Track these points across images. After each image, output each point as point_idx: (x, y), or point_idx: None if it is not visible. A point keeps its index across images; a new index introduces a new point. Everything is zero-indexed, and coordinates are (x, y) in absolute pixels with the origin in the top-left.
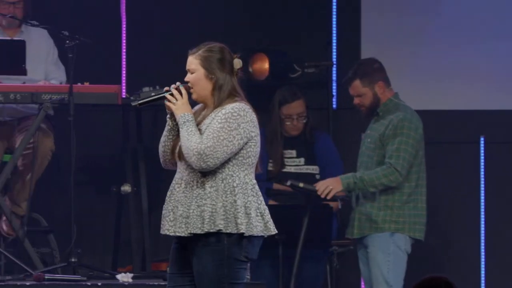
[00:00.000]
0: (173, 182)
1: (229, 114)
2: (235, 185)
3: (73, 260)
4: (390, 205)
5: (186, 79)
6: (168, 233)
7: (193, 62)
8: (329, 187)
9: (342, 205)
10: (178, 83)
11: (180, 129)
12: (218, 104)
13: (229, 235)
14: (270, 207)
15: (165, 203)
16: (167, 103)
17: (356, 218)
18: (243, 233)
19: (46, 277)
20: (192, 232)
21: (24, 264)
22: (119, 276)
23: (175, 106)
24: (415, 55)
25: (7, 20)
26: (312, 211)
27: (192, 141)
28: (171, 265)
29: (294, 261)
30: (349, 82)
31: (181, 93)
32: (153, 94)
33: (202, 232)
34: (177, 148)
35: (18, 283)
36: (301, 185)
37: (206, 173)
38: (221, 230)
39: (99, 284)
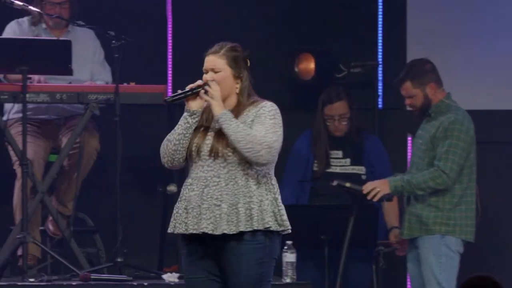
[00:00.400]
0: (199, 180)
1: (274, 112)
2: (273, 182)
3: (119, 260)
4: (440, 207)
5: (209, 77)
6: (207, 231)
7: (217, 61)
8: (376, 189)
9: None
10: (201, 81)
11: (226, 125)
12: (245, 102)
13: (270, 232)
14: (316, 207)
15: (189, 202)
16: (207, 98)
17: (407, 219)
18: (282, 231)
19: (92, 277)
20: (240, 230)
21: (70, 264)
22: (165, 276)
23: (216, 102)
24: (461, 54)
25: (53, 21)
26: (358, 211)
27: (256, 135)
28: (189, 269)
29: (340, 261)
30: (400, 83)
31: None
32: (186, 90)
33: (251, 230)
34: (205, 146)
35: (64, 283)
36: (347, 185)
37: (248, 170)
38: (270, 227)
39: (145, 284)
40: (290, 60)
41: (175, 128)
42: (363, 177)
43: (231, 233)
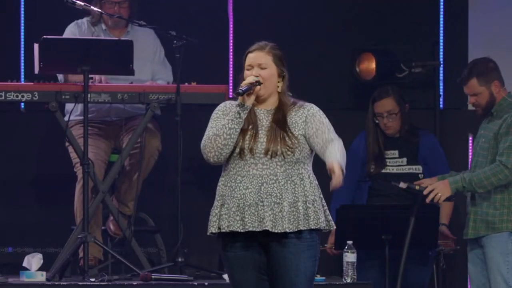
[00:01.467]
0: (252, 178)
1: (321, 111)
2: (317, 182)
3: (180, 259)
4: (506, 204)
5: (256, 73)
6: (269, 228)
7: (264, 57)
8: (438, 194)
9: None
10: (254, 77)
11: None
12: (288, 102)
13: (317, 231)
14: (377, 207)
15: (245, 200)
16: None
17: (472, 218)
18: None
19: (153, 276)
20: (300, 228)
21: (131, 264)
22: (225, 276)
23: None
24: None
25: (113, 21)
26: (419, 211)
27: (336, 143)
28: (237, 269)
29: (400, 261)
30: (466, 81)
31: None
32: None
33: (308, 228)
34: (259, 144)
35: (125, 282)
36: (417, 187)
37: (302, 170)
38: (324, 226)
39: (206, 284)
40: (351, 60)
41: (224, 123)
42: (420, 176)
43: (290, 231)
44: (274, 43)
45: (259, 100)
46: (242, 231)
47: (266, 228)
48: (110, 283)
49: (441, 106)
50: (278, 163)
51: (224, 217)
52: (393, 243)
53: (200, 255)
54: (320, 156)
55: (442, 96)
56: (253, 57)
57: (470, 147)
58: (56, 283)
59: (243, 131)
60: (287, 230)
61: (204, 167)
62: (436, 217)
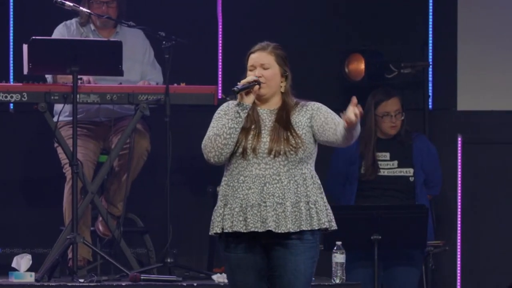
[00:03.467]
0: (255, 178)
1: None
2: (319, 182)
3: (168, 260)
4: None
5: (259, 74)
6: (272, 229)
7: (267, 57)
8: None
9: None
10: (255, 76)
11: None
12: (291, 102)
13: (317, 231)
14: (366, 208)
15: (247, 200)
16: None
17: None
18: (331, 230)
19: (142, 277)
20: (302, 228)
21: (120, 265)
22: (214, 277)
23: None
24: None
25: (101, 21)
26: (407, 212)
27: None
28: (243, 272)
29: (389, 262)
30: None
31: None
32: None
33: (310, 229)
34: (262, 144)
35: (114, 283)
36: None
37: (304, 170)
38: (326, 227)
39: (195, 284)
40: (340, 60)
41: (224, 123)
42: (411, 179)
43: (293, 231)
44: (276, 43)
45: (261, 100)
46: (245, 231)
47: (269, 229)
48: (99, 283)
49: (430, 106)
50: (281, 162)
51: (227, 217)
52: (382, 243)
53: (189, 256)
54: (335, 140)
55: (431, 97)
56: (255, 58)
57: (459, 148)
58: (45, 284)
59: (246, 131)
60: (291, 230)
61: (193, 168)
62: (425, 218)
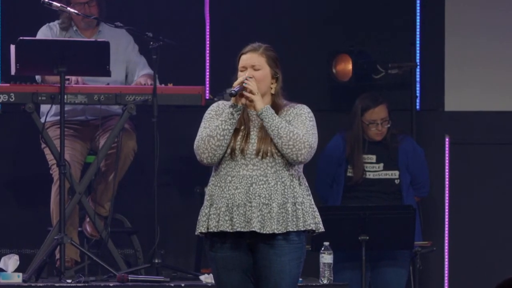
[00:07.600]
0: (242, 178)
1: (311, 114)
2: (307, 184)
3: (156, 261)
4: None
5: (249, 75)
6: (256, 229)
7: (257, 59)
8: None
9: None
10: (244, 77)
11: (270, 120)
12: (281, 103)
13: (303, 232)
14: (353, 208)
15: (233, 200)
16: (249, 95)
17: None
18: (317, 232)
19: (129, 278)
20: (288, 229)
21: (108, 265)
22: (202, 277)
23: (258, 97)
24: (501, 52)
25: (85, 22)
26: (395, 212)
27: (299, 133)
28: (229, 272)
29: (376, 262)
30: None
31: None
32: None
33: (296, 230)
34: (250, 145)
35: (102, 284)
36: None
37: (292, 171)
38: (312, 229)
39: (183, 285)
40: (328, 61)
41: (217, 124)
42: (397, 181)
43: (279, 232)
44: (268, 45)
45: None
46: (231, 231)
47: (254, 229)
48: (86, 284)
49: (417, 107)
50: (269, 164)
51: (212, 217)
52: (370, 244)
53: (177, 257)
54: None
55: (418, 98)
56: (246, 59)
57: (447, 148)
58: (33, 284)
59: (235, 132)
60: (276, 231)
61: (180, 168)
62: (413, 219)
